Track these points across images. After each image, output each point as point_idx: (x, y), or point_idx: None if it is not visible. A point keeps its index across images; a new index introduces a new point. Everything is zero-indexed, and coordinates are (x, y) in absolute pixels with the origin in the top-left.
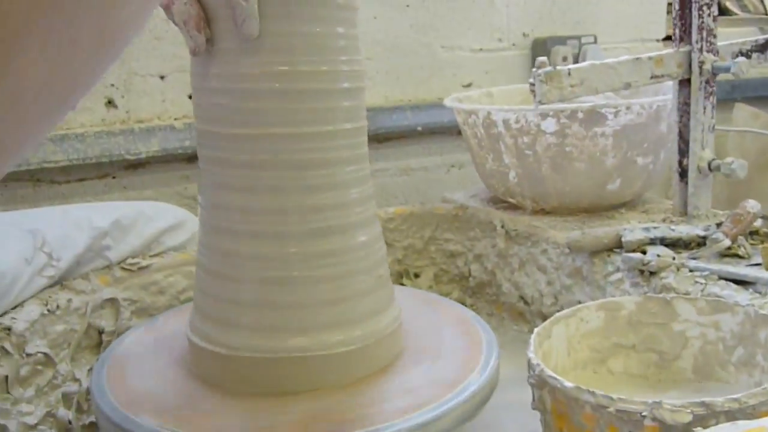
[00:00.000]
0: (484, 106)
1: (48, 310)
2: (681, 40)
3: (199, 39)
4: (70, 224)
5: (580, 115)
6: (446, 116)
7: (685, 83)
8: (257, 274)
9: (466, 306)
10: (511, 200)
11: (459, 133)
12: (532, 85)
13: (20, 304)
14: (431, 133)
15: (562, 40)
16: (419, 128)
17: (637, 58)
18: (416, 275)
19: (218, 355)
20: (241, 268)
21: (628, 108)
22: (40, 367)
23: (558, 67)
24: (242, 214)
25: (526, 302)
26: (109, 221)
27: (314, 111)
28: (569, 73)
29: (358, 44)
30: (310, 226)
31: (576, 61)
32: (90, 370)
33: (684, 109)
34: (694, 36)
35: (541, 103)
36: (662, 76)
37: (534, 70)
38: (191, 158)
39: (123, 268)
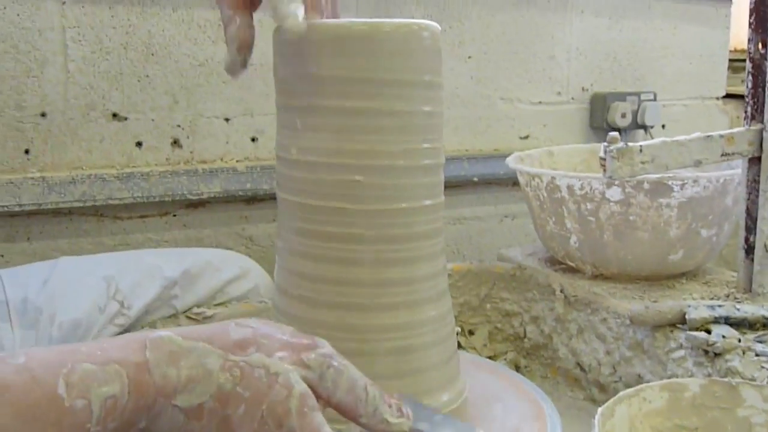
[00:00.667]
0: (548, 171)
1: None
2: (752, 118)
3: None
4: (142, 273)
5: (646, 185)
6: (502, 168)
7: (755, 161)
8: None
9: (519, 367)
10: (570, 263)
11: (514, 184)
12: (603, 159)
13: None
14: (486, 183)
15: (621, 96)
16: (475, 179)
17: (708, 136)
18: (471, 332)
19: None
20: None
21: (695, 181)
22: None
23: (630, 144)
24: (313, 283)
25: (582, 369)
26: (179, 271)
27: (395, 188)
28: (641, 150)
29: (442, 122)
30: (381, 300)
31: (635, 118)
32: None
33: (753, 186)
34: (767, 115)
35: (611, 179)
36: (733, 154)
37: (605, 145)
38: (251, 200)
39: (188, 317)
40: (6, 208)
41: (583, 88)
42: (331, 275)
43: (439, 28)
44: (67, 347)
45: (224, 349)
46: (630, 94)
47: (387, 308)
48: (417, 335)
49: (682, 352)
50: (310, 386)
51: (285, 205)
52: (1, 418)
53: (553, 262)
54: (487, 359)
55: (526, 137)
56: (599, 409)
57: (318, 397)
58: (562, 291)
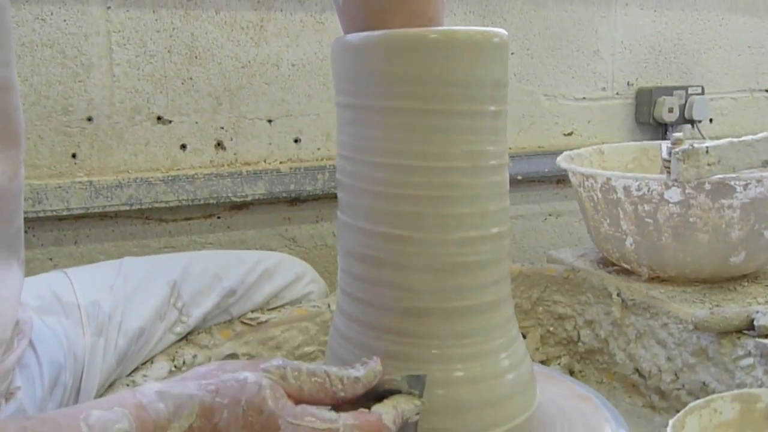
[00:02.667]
0: (603, 172)
1: (175, 366)
2: None
3: None
4: (203, 281)
5: (708, 186)
6: (546, 165)
7: None
8: (397, 348)
9: (574, 372)
10: (625, 265)
11: (558, 181)
12: (667, 161)
13: (150, 360)
14: (530, 181)
15: (668, 91)
16: (519, 177)
17: None
18: (522, 336)
19: None
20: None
21: (758, 181)
22: None
23: (695, 145)
24: (375, 286)
25: (642, 375)
26: (236, 280)
27: (464, 217)
28: (707, 151)
29: (506, 122)
30: (450, 304)
31: (682, 112)
32: None
33: None
34: None
35: (677, 181)
36: None
37: (670, 146)
38: (294, 201)
39: (243, 323)
40: (55, 212)
41: (628, 83)
42: (388, 279)
43: (507, 35)
44: (72, 407)
45: (197, 380)
46: (677, 88)
47: (461, 336)
48: (490, 363)
49: (750, 360)
50: None
51: (346, 204)
52: None
53: (606, 264)
54: (550, 369)
55: (570, 134)
56: (670, 422)
57: (289, 396)
58: (618, 294)
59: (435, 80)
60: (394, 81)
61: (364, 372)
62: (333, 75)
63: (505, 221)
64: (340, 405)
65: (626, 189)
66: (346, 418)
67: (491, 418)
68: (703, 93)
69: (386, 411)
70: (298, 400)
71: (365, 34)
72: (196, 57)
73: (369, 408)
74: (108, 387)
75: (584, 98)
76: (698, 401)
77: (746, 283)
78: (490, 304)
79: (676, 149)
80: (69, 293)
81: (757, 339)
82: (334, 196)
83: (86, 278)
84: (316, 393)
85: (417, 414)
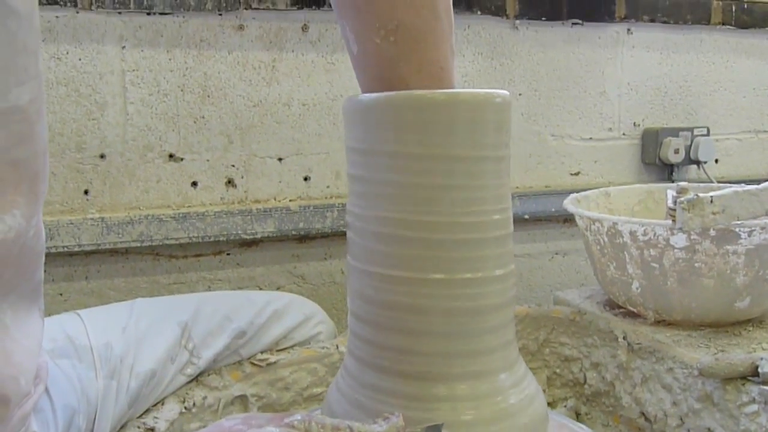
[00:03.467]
0: (609, 216)
1: (185, 408)
2: None
3: None
4: (214, 323)
5: (713, 233)
6: (553, 204)
7: None
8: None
9: (580, 414)
10: (631, 308)
11: (565, 221)
12: (672, 210)
13: (161, 401)
14: (537, 220)
15: (674, 132)
16: (526, 216)
17: None
18: None
19: None
20: (384, 405)
21: (762, 228)
22: None
23: (700, 195)
24: (383, 351)
25: (647, 419)
26: (246, 321)
27: (467, 260)
28: (711, 201)
29: (509, 192)
30: (454, 370)
31: (687, 153)
32: None
33: None
34: None
35: (682, 230)
36: None
37: (675, 195)
38: (303, 238)
39: (252, 364)
40: (66, 248)
41: (634, 124)
42: (403, 346)
43: (508, 95)
44: None
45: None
46: (683, 129)
47: (454, 379)
48: (493, 404)
49: (755, 407)
50: None
51: (353, 270)
52: None
53: (613, 306)
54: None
55: (577, 174)
56: None
57: None
58: (624, 338)
59: (440, 141)
60: (401, 140)
61: (386, 427)
62: (345, 136)
63: (509, 263)
64: None
65: (632, 234)
66: None
67: None
68: (708, 134)
69: None
70: None
71: (374, 95)
72: (208, 96)
73: None
74: (120, 429)
75: (591, 138)
76: None
77: (751, 328)
78: (495, 347)
79: (681, 198)
80: (82, 335)
81: (761, 386)
82: (343, 234)
83: (99, 320)
84: None
85: None
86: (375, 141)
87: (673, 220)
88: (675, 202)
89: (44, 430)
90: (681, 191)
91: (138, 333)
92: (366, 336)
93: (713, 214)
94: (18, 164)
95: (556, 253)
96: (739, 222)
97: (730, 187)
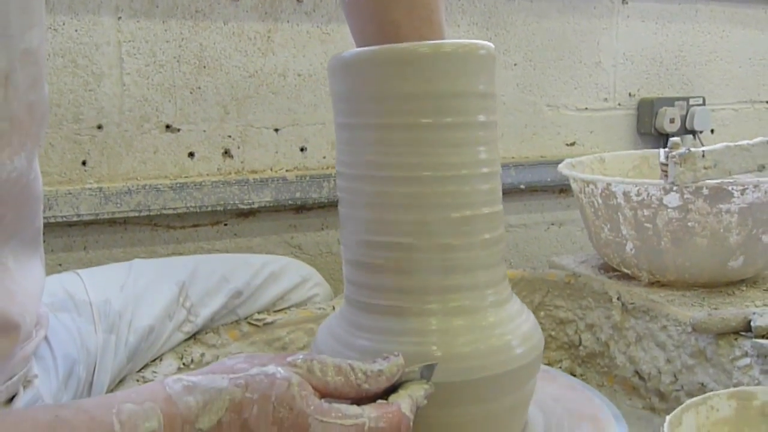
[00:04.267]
0: (603, 177)
1: (183, 364)
2: None
3: None
4: (211, 283)
5: (705, 191)
6: (549, 175)
7: None
8: (397, 348)
9: (575, 375)
10: (625, 270)
11: (560, 191)
12: (664, 165)
13: (159, 357)
14: (533, 190)
15: (669, 102)
16: (522, 186)
17: None
18: None
19: None
20: (385, 344)
21: (755, 186)
22: None
23: (692, 149)
24: (378, 291)
25: (641, 378)
26: (243, 282)
27: (455, 195)
28: (703, 155)
29: (496, 131)
30: (449, 305)
31: (683, 123)
32: None
33: None
34: None
35: (674, 184)
36: None
37: (667, 150)
38: (300, 209)
39: (250, 323)
40: (65, 218)
41: (629, 94)
42: (398, 284)
43: (493, 47)
44: (104, 396)
45: (225, 373)
46: (678, 99)
47: (450, 313)
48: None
49: (747, 360)
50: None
51: (347, 218)
52: None
53: (607, 270)
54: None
55: (573, 144)
56: (667, 417)
57: (315, 389)
58: (618, 298)
59: (424, 93)
60: (384, 96)
61: (387, 365)
62: (331, 92)
63: (499, 227)
64: (360, 399)
65: (626, 194)
66: (370, 411)
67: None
68: (704, 104)
69: (403, 400)
70: (323, 394)
71: (357, 50)
72: (204, 67)
73: (385, 399)
74: (119, 382)
75: (586, 109)
76: (695, 399)
77: (745, 288)
78: (488, 283)
79: (673, 153)
80: (81, 292)
81: (753, 339)
82: None
83: (97, 278)
84: (341, 386)
85: (426, 398)
86: (359, 88)
87: (666, 175)
88: (667, 157)
89: (46, 377)
90: (673, 146)
91: (136, 291)
92: (361, 280)
93: (705, 168)
94: (32, 107)
95: (552, 224)
96: (731, 180)
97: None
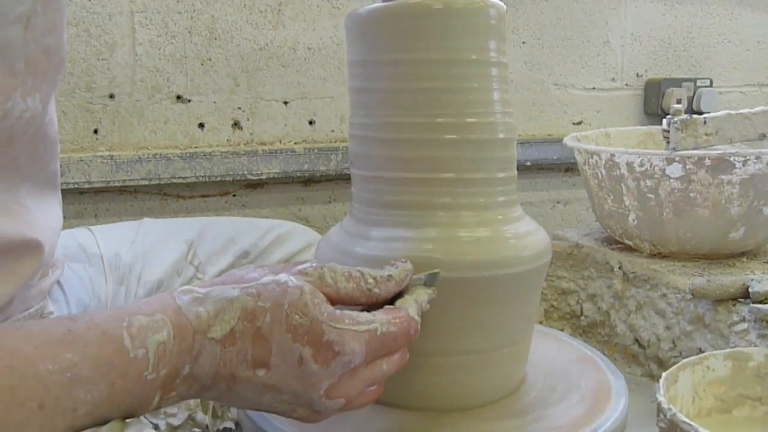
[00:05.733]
0: (607, 148)
1: None
2: None
3: None
4: (219, 242)
5: (708, 162)
6: (555, 152)
7: None
8: (402, 254)
9: None
10: (628, 242)
11: (567, 169)
12: (666, 131)
13: None
14: (539, 168)
15: (676, 82)
16: (528, 163)
17: None
18: None
19: None
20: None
21: (757, 158)
22: None
23: (694, 116)
24: (386, 242)
25: (641, 345)
26: (250, 243)
27: (475, 160)
28: (705, 122)
29: (509, 97)
30: (458, 217)
31: (690, 104)
32: None
33: None
34: None
35: (675, 150)
36: None
37: (669, 117)
38: (308, 181)
39: None
40: (76, 185)
41: (637, 74)
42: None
43: (504, 7)
44: (115, 308)
45: (236, 283)
46: (686, 80)
47: (456, 225)
48: None
49: (744, 325)
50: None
51: (361, 180)
52: (85, 370)
53: (610, 242)
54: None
55: (580, 123)
56: (663, 374)
57: (326, 297)
58: (620, 268)
59: (437, 45)
60: (398, 48)
61: (396, 271)
62: (347, 53)
63: (512, 191)
64: (370, 306)
65: (629, 165)
66: (380, 316)
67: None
68: (711, 85)
69: (410, 305)
70: (334, 302)
71: (372, 7)
72: (215, 38)
73: (392, 305)
74: None
75: (594, 88)
76: (692, 358)
77: (745, 260)
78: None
79: (675, 119)
80: (92, 245)
81: (751, 305)
82: (347, 177)
83: (108, 234)
84: (351, 292)
85: (428, 303)
86: (374, 51)
87: (668, 142)
88: (669, 124)
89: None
90: (675, 113)
91: (145, 246)
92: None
93: (706, 135)
94: (49, 51)
95: (558, 202)
96: (733, 150)
97: None
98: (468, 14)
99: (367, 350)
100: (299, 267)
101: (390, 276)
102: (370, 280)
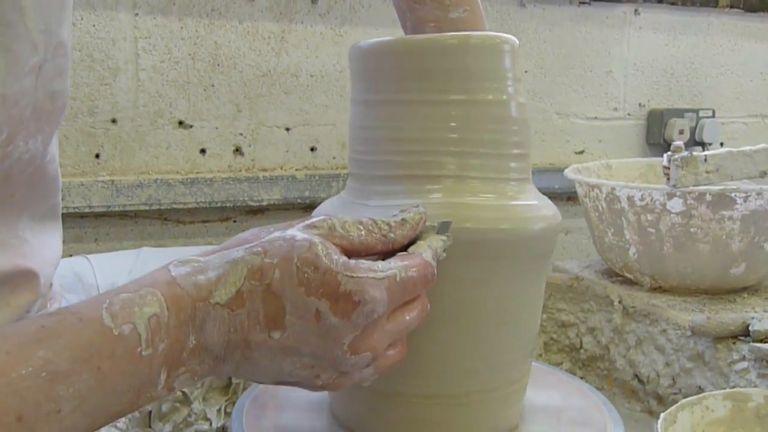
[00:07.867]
0: (608, 182)
1: None
2: None
3: None
4: None
5: (709, 197)
6: (557, 182)
7: None
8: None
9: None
10: (628, 275)
11: (568, 199)
12: (667, 168)
13: None
14: None
15: (679, 113)
16: None
17: None
18: None
19: None
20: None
21: (758, 194)
22: (178, 405)
23: (694, 153)
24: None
25: (640, 381)
26: None
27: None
28: (705, 159)
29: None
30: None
31: (693, 135)
32: (219, 410)
33: None
34: None
35: (675, 187)
36: None
37: (669, 153)
38: (308, 207)
39: None
40: (77, 210)
41: (639, 104)
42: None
43: (518, 42)
44: (100, 293)
45: (240, 245)
46: (688, 110)
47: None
48: None
49: (745, 364)
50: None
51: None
52: (62, 364)
53: (610, 275)
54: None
55: (582, 152)
56: (662, 414)
57: (339, 248)
58: (620, 302)
59: (453, 74)
60: (401, 89)
61: (410, 215)
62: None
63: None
64: (385, 254)
65: (630, 199)
66: (397, 262)
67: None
68: (714, 116)
69: (425, 251)
70: (348, 252)
71: (375, 41)
72: (218, 65)
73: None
74: None
75: (596, 118)
76: (690, 398)
77: (746, 295)
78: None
79: (675, 156)
80: (89, 275)
81: (751, 343)
82: None
83: (106, 263)
84: (366, 240)
85: (444, 250)
86: (375, 90)
87: (668, 179)
88: (669, 161)
89: None
90: (676, 150)
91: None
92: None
93: (707, 172)
94: (55, 96)
95: (560, 231)
96: (734, 186)
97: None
98: (479, 51)
99: (389, 298)
100: (307, 221)
101: (404, 220)
102: (384, 226)
